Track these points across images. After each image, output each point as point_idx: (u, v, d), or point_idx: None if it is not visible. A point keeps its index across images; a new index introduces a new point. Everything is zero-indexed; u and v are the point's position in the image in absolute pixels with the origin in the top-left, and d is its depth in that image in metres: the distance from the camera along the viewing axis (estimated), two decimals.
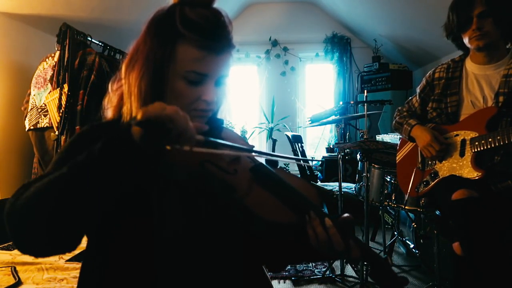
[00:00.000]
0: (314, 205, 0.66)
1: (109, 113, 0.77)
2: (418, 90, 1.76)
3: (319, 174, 4.05)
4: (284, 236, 0.66)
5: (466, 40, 1.49)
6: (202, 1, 0.68)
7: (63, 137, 2.24)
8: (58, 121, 2.25)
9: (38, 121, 2.34)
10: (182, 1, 0.68)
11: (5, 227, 0.56)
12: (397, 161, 1.85)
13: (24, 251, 0.56)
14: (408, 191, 1.68)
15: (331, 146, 4.27)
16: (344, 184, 2.80)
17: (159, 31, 0.67)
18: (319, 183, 3.30)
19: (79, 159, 0.55)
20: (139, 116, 0.50)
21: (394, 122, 1.82)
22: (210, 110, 0.72)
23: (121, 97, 0.74)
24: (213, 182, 0.65)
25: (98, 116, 0.81)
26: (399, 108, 1.86)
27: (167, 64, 0.67)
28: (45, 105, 2.33)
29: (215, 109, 0.76)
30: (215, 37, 0.66)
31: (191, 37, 0.65)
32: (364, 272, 2.06)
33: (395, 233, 2.57)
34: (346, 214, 0.65)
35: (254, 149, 0.75)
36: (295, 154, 2.80)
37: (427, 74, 1.71)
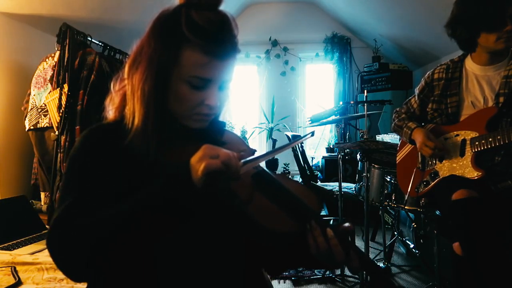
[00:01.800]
0: (315, 213, 0.66)
1: (110, 113, 0.76)
2: (417, 91, 1.75)
3: (319, 174, 4.05)
4: (284, 243, 0.66)
5: (488, 38, 1.39)
6: (209, 4, 0.67)
7: (63, 137, 2.23)
8: (58, 121, 2.25)
9: (38, 121, 2.34)
10: (188, 3, 0.66)
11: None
12: (397, 161, 1.85)
13: (74, 278, 0.64)
14: (408, 191, 1.68)
15: (331, 146, 4.27)
16: (344, 184, 2.80)
17: (164, 33, 0.66)
18: (319, 183, 3.30)
19: (137, 200, 0.60)
20: (200, 172, 0.55)
21: (393, 124, 1.81)
22: (213, 114, 0.72)
23: (124, 97, 0.73)
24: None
25: (98, 116, 0.80)
26: (397, 109, 1.85)
27: (171, 68, 0.66)
28: (45, 105, 2.33)
29: (218, 113, 0.76)
30: (220, 42, 0.66)
31: (196, 42, 0.64)
32: (364, 273, 2.06)
33: (395, 233, 2.57)
34: (346, 224, 0.64)
35: (256, 151, 0.75)
36: (295, 153, 2.80)
37: (426, 75, 1.70)
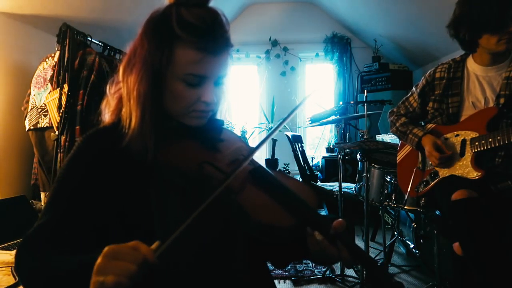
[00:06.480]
0: (311, 208, 0.66)
1: (107, 117, 0.76)
2: (417, 89, 1.72)
3: (319, 174, 4.05)
4: (283, 239, 0.66)
5: (490, 40, 1.38)
6: (198, 1, 0.67)
7: (63, 137, 2.23)
8: (58, 121, 2.25)
9: (38, 121, 2.34)
10: (178, 2, 0.67)
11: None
12: (397, 161, 1.85)
13: None
14: (408, 191, 1.68)
15: (331, 146, 4.27)
16: (344, 184, 2.80)
17: (156, 33, 0.67)
18: (319, 183, 3.30)
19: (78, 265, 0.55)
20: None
21: (394, 128, 1.77)
22: (210, 111, 0.72)
23: (120, 100, 0.74)
24: (211, 184, 0.65)
25: (97, 118, 0.80)
26: (394, 110, 1.82)
27: (165, 67, 0.66)
28: (45, 105, 2.33)
29: (215, 109, 0.76)
30: (212, 38, 0.66)
31: (189, 39, 0.65)
32: (364, 272, 2.06)
33: (395, 233, 2.57)
34: (339, 219, 0.63)
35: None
36: (295, 154, 2.80)
37: (427, 74, 1.69)
